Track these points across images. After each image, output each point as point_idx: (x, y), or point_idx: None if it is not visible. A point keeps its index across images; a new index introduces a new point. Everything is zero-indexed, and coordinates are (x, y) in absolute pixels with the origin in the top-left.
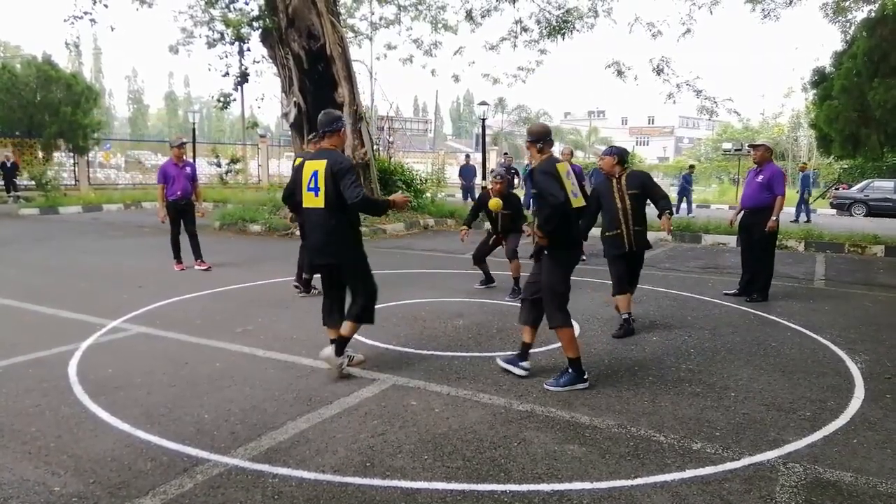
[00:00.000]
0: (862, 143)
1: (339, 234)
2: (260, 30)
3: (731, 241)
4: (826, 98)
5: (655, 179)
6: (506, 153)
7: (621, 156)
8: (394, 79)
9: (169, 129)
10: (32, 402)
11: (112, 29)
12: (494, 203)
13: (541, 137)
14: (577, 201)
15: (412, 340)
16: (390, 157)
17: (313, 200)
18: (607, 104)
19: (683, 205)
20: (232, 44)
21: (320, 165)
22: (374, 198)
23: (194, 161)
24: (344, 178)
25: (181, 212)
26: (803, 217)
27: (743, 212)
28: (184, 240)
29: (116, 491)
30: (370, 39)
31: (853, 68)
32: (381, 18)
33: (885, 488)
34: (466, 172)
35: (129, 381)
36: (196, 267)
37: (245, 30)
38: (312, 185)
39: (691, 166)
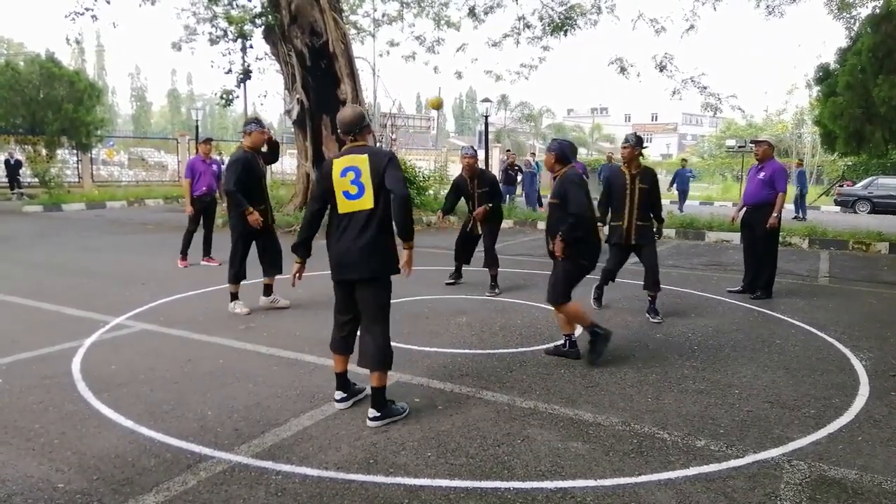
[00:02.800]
0: (866, 140)
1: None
2: (262, 27)
3: (735, 238)
4: (830, 95)
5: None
6: (508, 150)
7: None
8: (396, 76)
9: (172, 127)
10: (36, 398)
11: (114, 26)
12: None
13: (349, 129)
14: (350, 205)
15: (415, 337)
16: None
17: None
18: (610, 101)
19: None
20: (235, 41)
21: None
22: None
23: (196, 157)
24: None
25: (205, 208)
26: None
27: (745, 208)
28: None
29: (120, 488)
30: (373, 36)
31: (857, 65)
32: (383, 15)
33: (889, 486)
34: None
35: (133, 378)
36: (203, 263)
37: (248, 27)
38: None
39: (683, 160)
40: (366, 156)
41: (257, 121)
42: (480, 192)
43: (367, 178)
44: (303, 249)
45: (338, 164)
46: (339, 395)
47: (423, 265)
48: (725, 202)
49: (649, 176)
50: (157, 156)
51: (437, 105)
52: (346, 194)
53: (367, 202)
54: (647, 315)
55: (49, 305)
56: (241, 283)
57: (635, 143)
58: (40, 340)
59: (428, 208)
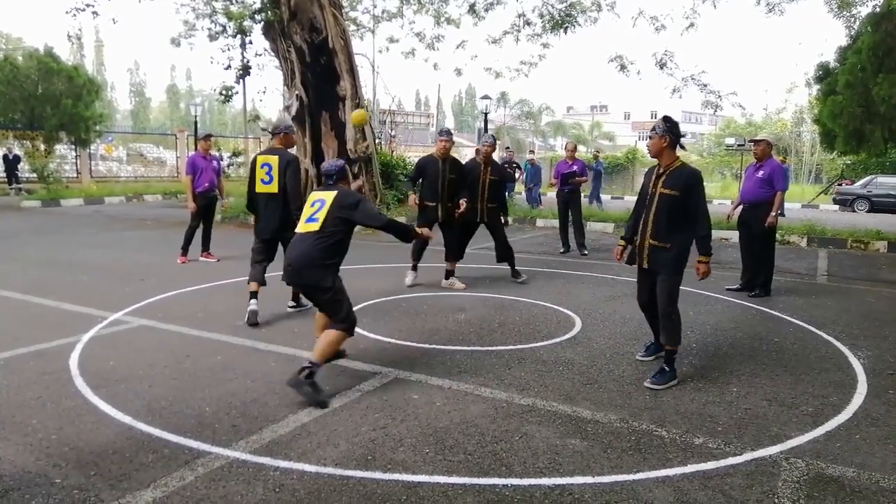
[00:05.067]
0: (866, 139)
1: None
2: (262, 22)
3: (734, 235)
4: (830, 93)
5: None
6: (507, 147)
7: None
8: (396, 72)
9: (171, 122)
10: (34, 394)
11: (114, 21)
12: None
13: (273, 131)
14: (263, 188)
15: (414, 334)
16: (392, 151)
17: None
18: (610, 99)
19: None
20: (234, 37)
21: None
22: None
23: (196, 154)
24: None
25: (206, 204)
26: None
27: (741, 206)
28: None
29: (117, 483)
30: (372, 32)
31: (858, 63)
32: (383, 11)
33: (887, 484)
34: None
35: (131, 374)
36: (202, 258)
37: (247, 22)
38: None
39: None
40: (276, 157)
41: (447, 131)
42: (492, 180)
43: (275, 172)
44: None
45: (259, 160)
46: (253, 303)
47: (422, 262)
48: (724, 200)
49: (681, 178)
50: (155, 151)
51: (360, 120)
52: (262, 181)
53: (274, 188)
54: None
55: (47, 301)
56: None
57: (662, 132)
58: (38, 336)
59: None
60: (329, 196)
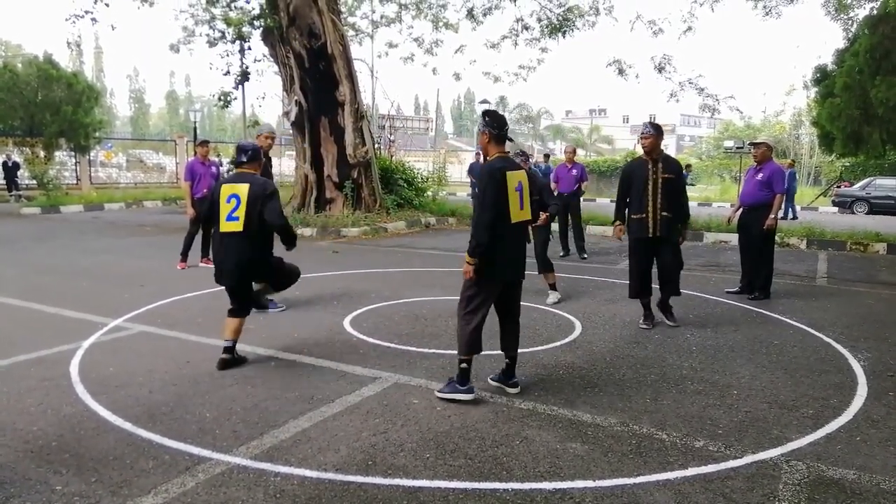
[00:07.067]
0: (864, 141)
1: None
2: (261, 28)
3: (733, 238)
4: (828, 96)
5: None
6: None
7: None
8: (395, 77)
9: (170, 129)
10: (34, 400)
11: (113, 28)
12: None
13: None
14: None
15: (414, 339)
16: (391, 156)
17: None
18: (609, 102)
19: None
20: (233, 42)
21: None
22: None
23: (195, 160)
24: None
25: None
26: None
27: (741, 209)
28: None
29: (118, 490)
30: (371, 38)
31: (855, 66)
32: (381, 17)
33: (888, 486)
34: (477, 169)
35: (131, 380)
36: (202, 264)
37: (246, 28)
38: None
39: (688, 165)
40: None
41: (524, 154)
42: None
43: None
44: None
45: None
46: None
47: (422, 266)
48: (723, 203)
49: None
50: (155, 157)
51: None
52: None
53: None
54: None
55: (47, 307)
56: None
57: (482, 127)
58: (39, 342)
59: (426, 209)
60: (243, 190)
